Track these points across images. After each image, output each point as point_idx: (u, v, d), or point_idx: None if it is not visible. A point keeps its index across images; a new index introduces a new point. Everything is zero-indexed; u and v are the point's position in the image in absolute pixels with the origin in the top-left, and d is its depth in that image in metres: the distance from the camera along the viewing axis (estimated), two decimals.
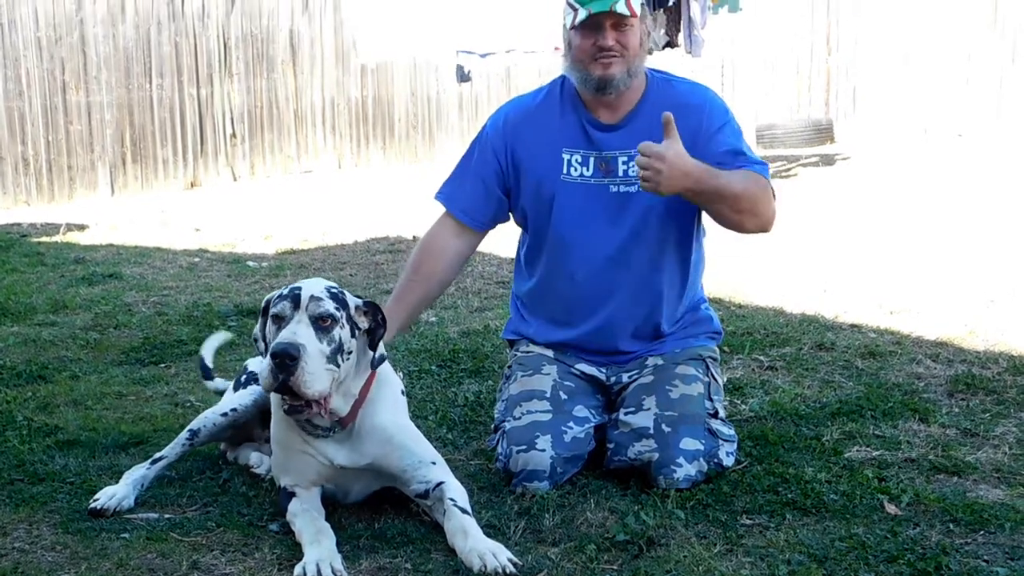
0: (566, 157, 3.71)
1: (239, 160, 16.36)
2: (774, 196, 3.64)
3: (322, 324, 3.05)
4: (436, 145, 18.05)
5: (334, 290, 3.14)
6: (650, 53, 3.79)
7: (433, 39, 12.59)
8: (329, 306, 3.07)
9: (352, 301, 3.17)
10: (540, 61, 17.22)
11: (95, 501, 3.38)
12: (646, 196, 3.59)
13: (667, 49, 13.07)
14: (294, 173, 16.74)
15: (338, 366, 3.08)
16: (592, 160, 3.69)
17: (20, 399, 4.70)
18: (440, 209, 3.91)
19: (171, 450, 3.66)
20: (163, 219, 11.26)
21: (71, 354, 5.55)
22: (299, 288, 3.11)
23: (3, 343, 5.79)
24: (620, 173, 3.66)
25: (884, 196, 10.61)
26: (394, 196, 12.57)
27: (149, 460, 3.63)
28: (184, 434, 3.69)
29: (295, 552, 3.05)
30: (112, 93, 15.10)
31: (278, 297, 3.13)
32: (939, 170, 12.14)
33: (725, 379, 4.24)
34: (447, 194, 3.89)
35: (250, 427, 3.80)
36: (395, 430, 3.28)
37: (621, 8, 3.53)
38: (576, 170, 3.70)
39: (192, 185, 15.80)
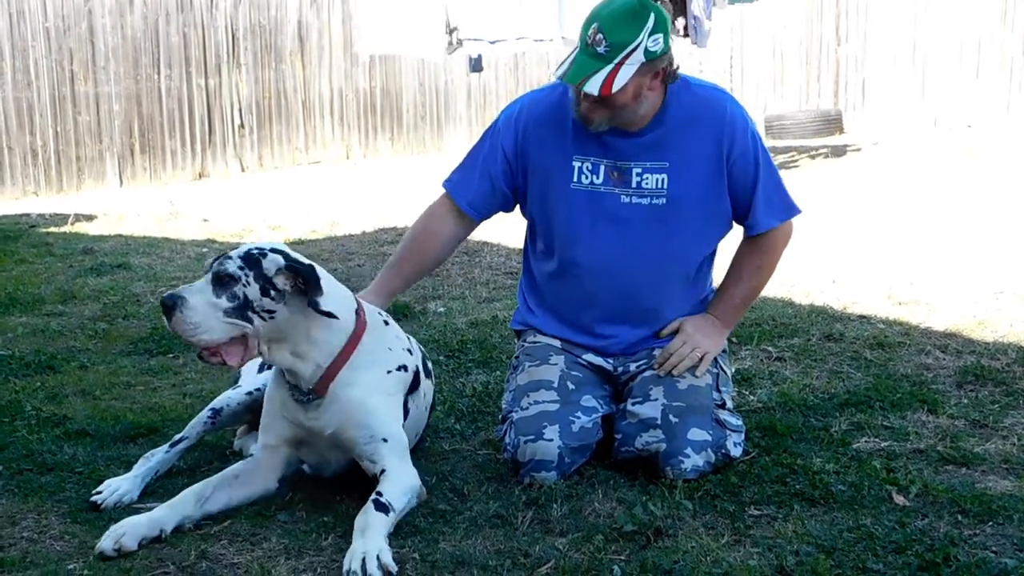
0: (576, 164, 3.62)
1: (247, 151, 16.38)
2: (790, 236, 3.77)
3: (222, 281, 3.16)
4: (444, 136, 18.06)
5: (255, 253, 3.21)
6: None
7: (440, 27, 12.55)
8: (231, 266, 3.17)
9: (272, 264, 3.19)
10: (550, 49, 17.19)
11: (97, 494, 3.40)
12: (658, 208, 3.57)
13: (676, 38, 13.05)
14: (302, 164, 16.76)
15: (248, 321, 3.16)
16: (603, 168, 3.60)
17: (29, 389, 4.71)
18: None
19: (192, 430, 3.68)
20: (171, 210, 11.27)
21: (79, 344, 5.56)
22: (233, 250, 3.26)
23: (12, 333, 5.80)
24: (634, 184, 3.58)
25: (893, 187, 10.59)
26: (402, 187, 12.57)
27: (168, 443, 3.65)
28: (206, 412, 3.70)
29: (304, 542, 3.07)
30: (120, 84, 15.13)
31: None
32: (948, 162, 12.11)
33: (733, 370, 4.23)
34: (455, 183, 3.85)
35: None
36: (359, 403, 3.30)
37: (591, 89, 3.36)
38: (586, 178, 3.62)
39: (200, 176, 15.83)
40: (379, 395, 3.35)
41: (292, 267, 3.20)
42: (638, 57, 3.35)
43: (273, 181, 14.72)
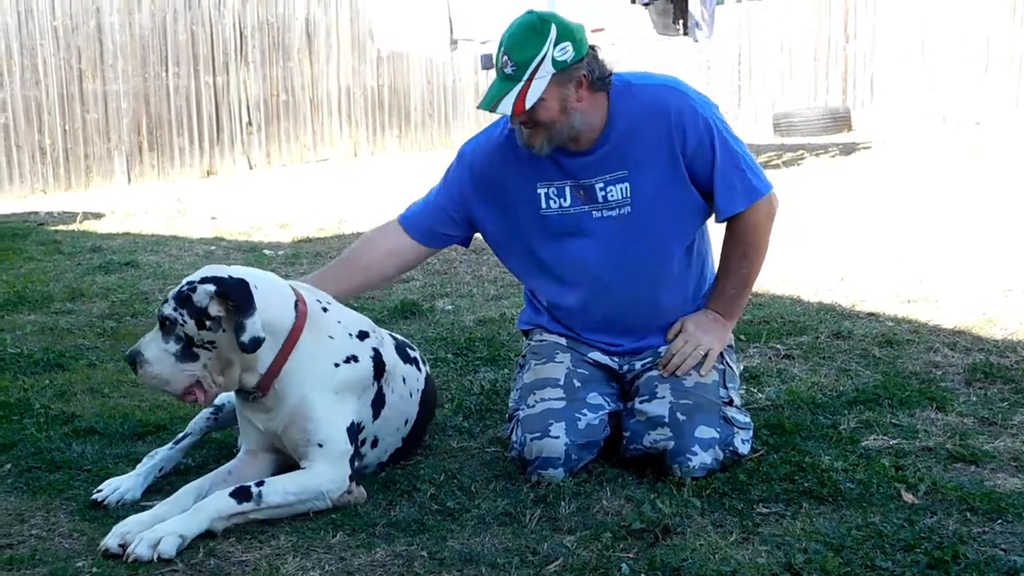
0: (542, 192, 3.61)
1: (255, 148, 16.39)
2: (776, 205, 3.67)
3: (165, 326, 3.23)
4: (452, 133, 18.05)
5: (185, 290, 3.21)
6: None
7: (445, 25, 12.57)
8: (167, 309, 3.22)
9: (203, 295, 3.18)
10: None
11: (99, 492, 3.41)
12: (626, 217, 3.57)
13: (679, 36, 13.01)
14: (310, 161, 16.77)
15: (196, 358, 3.22)
16: (568, 189, 3.59)
17: (37, 387, 4.72)
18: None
19: (195, 425, 3.72)
20: (179, 207, 11.29)
21: (88, 342, 5.57)
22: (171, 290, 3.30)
23: (20, 331, 5.82)
24: (600, 199, 3.57)
25: (902, 185, 10.56)
26: (410, 184, 12.54)
27: (172, 441, 3.67)
28: (208, 410, 3.73)
29: (312, 539, 3.07)
30: (128, 82, 15.15)
31: None
32: (957, 159, 12.07)
33: (742, 367, 4.22)
34: (408, 218, 3.84)
35: None
36: (300, 404, 3.31)
37: (503, 110, 3.38)
38: (554, 203, 3.60)
39: (208, 173, 15.85)
40: (323, 392, 3.34)
41: (221, 292, 3.19)
42: (547, 69, 3.35)
43: (281, 178, 14.73)
